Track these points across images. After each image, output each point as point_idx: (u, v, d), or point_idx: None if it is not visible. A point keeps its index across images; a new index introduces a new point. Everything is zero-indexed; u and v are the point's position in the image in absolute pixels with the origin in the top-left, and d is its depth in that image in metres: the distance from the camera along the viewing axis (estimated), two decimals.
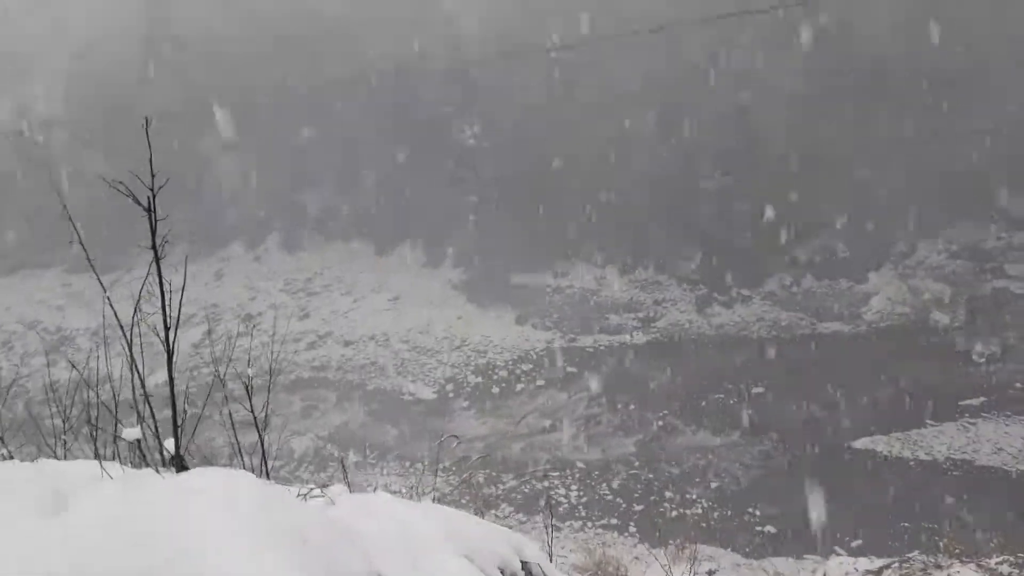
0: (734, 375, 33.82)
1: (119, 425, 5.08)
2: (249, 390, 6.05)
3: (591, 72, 41.02)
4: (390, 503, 5.58)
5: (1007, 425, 29.35)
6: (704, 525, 26.07)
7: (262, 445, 5.84)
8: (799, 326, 36.06)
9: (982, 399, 30.65)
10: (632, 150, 40.05)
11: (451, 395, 35.26)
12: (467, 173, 42.22)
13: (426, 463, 29.02)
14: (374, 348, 38.97)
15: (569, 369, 35.66)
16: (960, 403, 30.65)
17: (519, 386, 35.17)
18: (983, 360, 32.63)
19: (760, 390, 32.82)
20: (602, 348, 36.73)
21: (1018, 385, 31.10)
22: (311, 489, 5.32)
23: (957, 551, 15.20)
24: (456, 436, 29.25)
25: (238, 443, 5.95)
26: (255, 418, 5.93)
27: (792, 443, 29.93)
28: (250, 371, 6.14)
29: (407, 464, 31.05)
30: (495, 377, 35.90)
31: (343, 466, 8.03)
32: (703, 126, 39.23)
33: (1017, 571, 11.64)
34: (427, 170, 42.78)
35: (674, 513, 27.57)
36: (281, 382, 34.43)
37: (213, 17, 46.73)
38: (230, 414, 5.83)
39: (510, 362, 36.65)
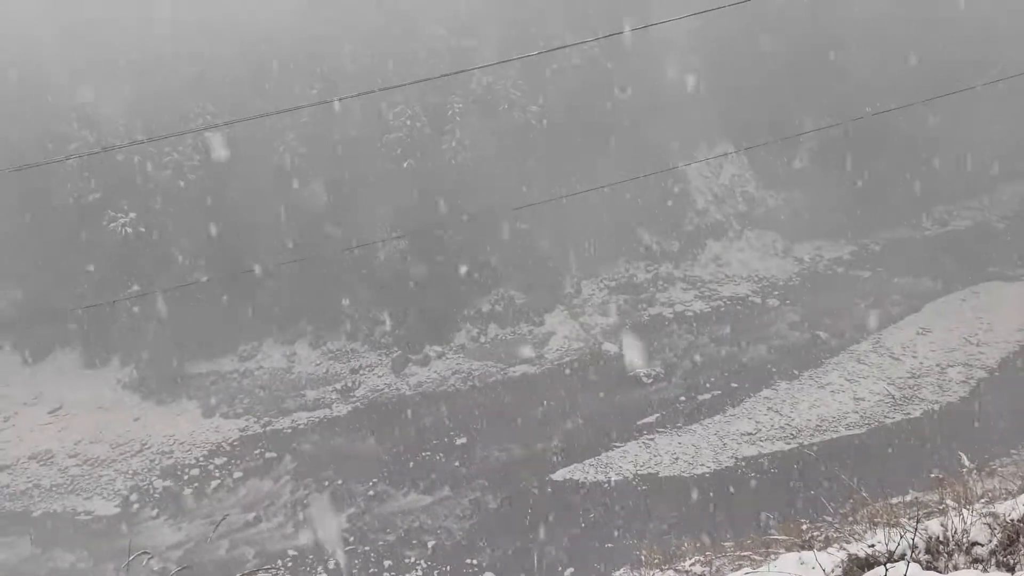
0: (437, 431, 34.22)
1: None
2: None
3: (256, 147, 39.93)
4: None
5: (679, 436, 32.70)
6: None
7: None
8: (491, 373, 37.47)
9: (656, 415, 33.92)
10: (301, 220, 39.44)
11: (136, 506, 31.74)
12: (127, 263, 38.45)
13: None
14: (36, 468, 33.99)
15: (269, 454, 33.80)
16: (638, 423, 33.66)
17: (214, 483, 32.60)
18: (650, 381, 36.19)
19: (464, 440, 33.50)
20: (302, 426, 35.31)
21: (682, 399, 34.86)
22: None
23: (656, 560, 16.30)
24: (147, 551, 26.33)
25: None
26: None
27: (499, 487, 30.83)
28: None
29: None
30: (186, 477, 32.98)
31: None
32: (373, 193, 39.75)
33: (708, 570, 12.72)
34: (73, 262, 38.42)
35: None
36: None
37: None
38: None
39: (201, 458, 33.90)
